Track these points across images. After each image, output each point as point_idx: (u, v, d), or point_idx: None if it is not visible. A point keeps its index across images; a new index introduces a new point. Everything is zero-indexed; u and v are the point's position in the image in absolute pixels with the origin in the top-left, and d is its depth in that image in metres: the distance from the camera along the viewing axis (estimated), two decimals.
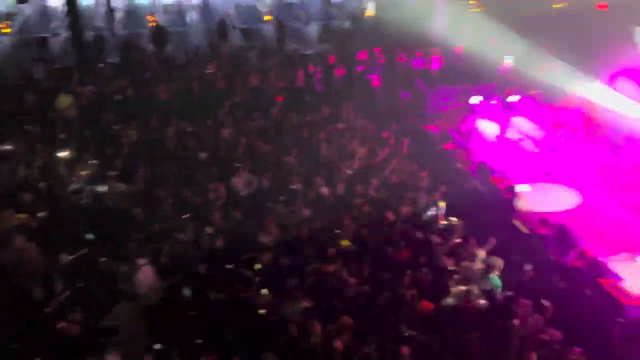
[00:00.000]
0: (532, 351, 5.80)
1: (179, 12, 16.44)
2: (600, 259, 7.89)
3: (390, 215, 7.90)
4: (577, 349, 5.95)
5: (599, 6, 14.00)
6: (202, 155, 9.14)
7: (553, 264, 7.79)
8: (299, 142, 9.84)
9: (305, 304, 5.91)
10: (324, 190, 8.45)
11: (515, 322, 6.14)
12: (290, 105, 10.98)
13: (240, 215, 7.75)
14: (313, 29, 16.13)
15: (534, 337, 6.15)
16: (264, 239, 7.33)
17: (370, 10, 15.99)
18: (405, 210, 8.19)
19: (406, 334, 5.76)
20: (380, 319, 6.00)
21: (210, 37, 14.87)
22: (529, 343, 6.00)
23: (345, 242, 7.27)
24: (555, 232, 8.43)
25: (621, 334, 6.69)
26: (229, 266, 6.59)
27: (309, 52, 14.57)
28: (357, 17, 16.58)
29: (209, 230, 7.23)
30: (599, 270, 7.66)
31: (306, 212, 7.93)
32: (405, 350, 5.38)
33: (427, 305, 6.21)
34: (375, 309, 6.13)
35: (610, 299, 7.18)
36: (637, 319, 6.77)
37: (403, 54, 13.91)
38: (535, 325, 6.22)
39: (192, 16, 16.54)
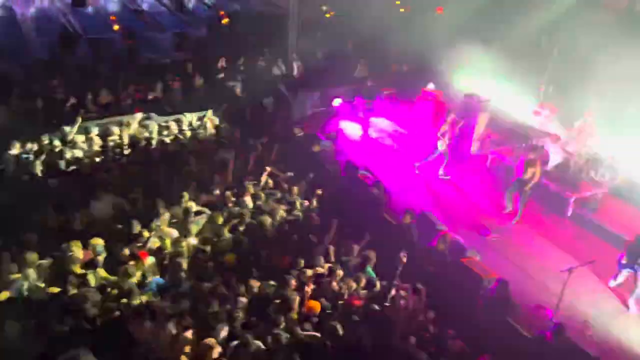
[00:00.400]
0: (411, 335, 6.18)
1: (9, 22, 14.66)
2: (459, 239, 8.67)
3: (267, 221, 7.85)
4: (450, 330, 6.48)
5: (439, 9, 15.50)
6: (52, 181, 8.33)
7: (420, 250, 8.37)
8: (165, 158, 9.40)
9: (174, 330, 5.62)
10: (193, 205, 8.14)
11: (395, 308, 6.50)
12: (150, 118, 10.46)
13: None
14: (167, 38, 15.49)
15: (413, 321, 6.57)
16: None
17: (225, 19, 15.78)
18: (281, 214, 8.22)
19: (299, 336, 5.78)
20: (270, 326, 5.96)
21: (51, 49, 13.53)
22: (408, 326, 6.37)
23: (230, 257, 7.06)
24: (418, 220, 9.10)
25: (484, 305, 7.43)
26: None
27: (165, 61, 14.00)
28: (213, 25, 16.30)
29: None
30: (459, 250, 8.41)
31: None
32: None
33: (314, 305, 6.29)
34: (266, 317, 6.08)
35: (472, 275, 7.90)
36: (494, 289, 7.50)
37: (263, 61, 13.98)
38: (413, 309, 6.64)
39: (28, 26, 14.88)
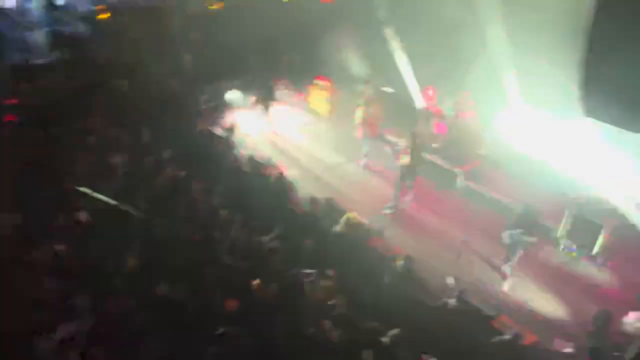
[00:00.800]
0: (324, 319, 6.30)
1: None
2: (360, 219, 8.96)
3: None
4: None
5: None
6: None
7: (326, 236, 8.55)
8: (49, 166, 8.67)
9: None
10: (82, 216, 7.62)
11: (306, 295, 6.60)
12: (27, 125, 9.55)
13: None
14: (40, 37, 14.18)
15: (325, 306, 6.70)
16: None
17: (104, 14, 14.78)
18: (183, 212, 7.94)
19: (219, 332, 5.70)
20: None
21: None
22: (321, 312, 6.49)
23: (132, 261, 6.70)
24: (323, 206, 9.27)
25: (390, 280, 7.78)
26: None
27: (39, 62, 12.84)
28: (91, 22, 15.19)
29: None
30: (362, 230, 8.69)
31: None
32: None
33: (231, 303, 6.22)
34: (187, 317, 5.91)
35: (377, 254, 8.24)
36: (397, 265, 7.87)
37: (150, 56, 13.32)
38: (324, 295, 6.76)
39: None
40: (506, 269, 8.58)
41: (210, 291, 6.32)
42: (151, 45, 13.75)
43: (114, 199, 8.01)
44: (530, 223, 8.23)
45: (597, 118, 3.38)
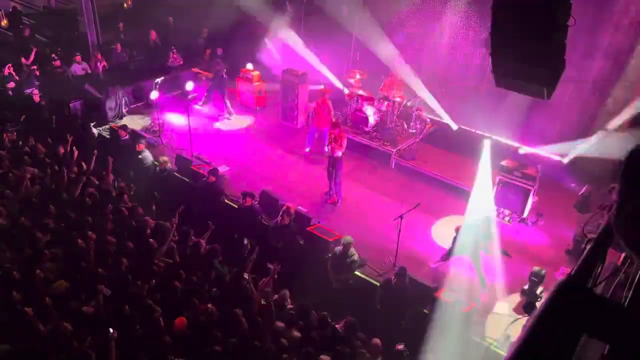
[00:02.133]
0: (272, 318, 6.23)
1: None
2: (300, 209, 8.95)
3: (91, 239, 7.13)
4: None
5: None
6: None
7: (267, 229, 8.47)
8: None
9: None
10: None
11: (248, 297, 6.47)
12: None
13: None
14: None
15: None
16: None
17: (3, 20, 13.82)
18: (109, 227, 7.54)
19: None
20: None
21: None
22: (265, 307, 6.39)
23: (61, 284, 6.28)
24: (260, 200, 9.18)
25: (334, 266, 7.83)
26: None
27: None
28: None
29: None
30: (303, 220, 8.69)
31: None
32: None
33: (180, 322, 5.87)
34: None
35: (320, 241, 8.25)
36: (339, 249, 7.93)
37: (58, 62, 12.56)
38: (265, 291, 6.63)
39: None
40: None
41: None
42: (60, 48, 13.02)
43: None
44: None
45: (504, 87, 3.59)
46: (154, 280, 6.48)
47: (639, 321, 1.08)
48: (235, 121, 12.86)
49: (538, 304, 6.77)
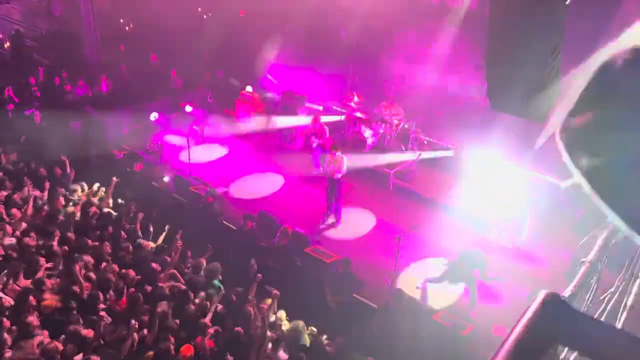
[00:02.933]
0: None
1: None
2: (298, 230, 8.94)
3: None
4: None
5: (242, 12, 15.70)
6: None
7: (265, 250, 8.45)
8: None
9: None
10: None
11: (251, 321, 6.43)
12: None
13: None
14: None
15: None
16: None
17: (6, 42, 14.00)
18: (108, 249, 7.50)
19: None
20: None
21: None
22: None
23: (50, 304, 6.22)
24: (258, 221, 9.18)
25: (331, 287, 7.78)
26: None
27: None
28: None
29: None
30: (301, 241, 8.69)
31: None
32: None
33: (187, 350, 5.74)
34: None
35: (317, 262, 8.24)
36: (337, 270, 7.91)
37: (69, 86, 12.71)
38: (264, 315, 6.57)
39: None
40: None
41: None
42: (63, 70, 13.17)
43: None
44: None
45: (501, 110, 3.63)
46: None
47: (620, 336, 1.11)
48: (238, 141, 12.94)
49: None
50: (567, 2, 3.42)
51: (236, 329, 6.11)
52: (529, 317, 1.05)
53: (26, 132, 10.85)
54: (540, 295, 1.10)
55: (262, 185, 11.16)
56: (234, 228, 9.11)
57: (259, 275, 7.11)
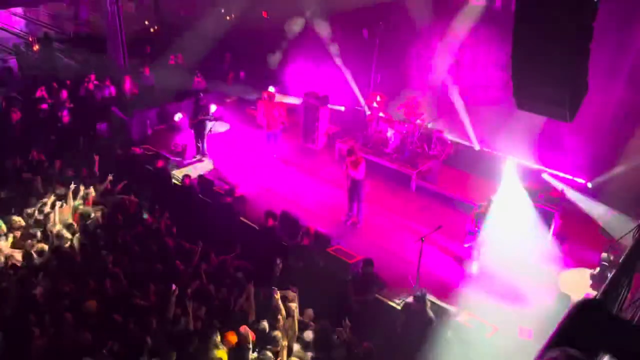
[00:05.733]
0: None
1: None
2: (320, 231, 8.93)
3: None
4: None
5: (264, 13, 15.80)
6: None
7: (287, 249, 8.47)
8: None
9: None
10: None
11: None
12: None
13: None
14: None
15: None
16: None
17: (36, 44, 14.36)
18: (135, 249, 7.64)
19: None
20: None
21: None
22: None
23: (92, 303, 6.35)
24: (281, 220, 9.20)
25: (354, 287, 7.75)
26: None
27: None
28: (21, 54, 14.75)
29: None
30: (323, 241, 8.68)
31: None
32: None
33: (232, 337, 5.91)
34: None
35: (339, 263, 8.22)
36: (359, 271, 7.88)
37: (91, 85, 12.97)
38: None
39: None
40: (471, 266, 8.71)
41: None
42: (91, 71, 13.43)
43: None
44: None
45: (527, 109, 3.59)
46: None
47: None
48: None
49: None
50: (595, 1, 3.36)
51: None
52: (567, 323, 1.03)
53: (56, 132, 11.13)
54: (577, 301, 1.08)
55: (283, 184, 11.20)
56: (256, 227, 9.16)
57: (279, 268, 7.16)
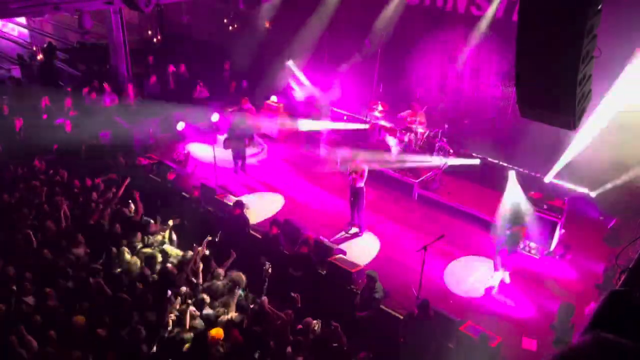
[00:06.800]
0: (288, 345, 6.17)
1: None
2: (321, 239, 8.90)
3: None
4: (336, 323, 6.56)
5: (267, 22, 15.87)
6: None
7: (288, 258, 8.44)
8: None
9: None
10: None
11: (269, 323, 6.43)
12: None
13: None
14: None
15: (287, 332, 6.51)
16: None
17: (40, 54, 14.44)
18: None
19: None
20: None
21: None
22: (284, 339, 6.31)
23: (80, 319, 6.30)
24: (283, 229, 9.18)
25: (358, 299, 7.70)
26: None
27: None
28: (25, 63, 14.83)
29: None
30: (324, 250, 8.65)
31: None
32: None
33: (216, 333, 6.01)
34: None
35: (341, 271, 8.18)
36: (362, 281, 7.83)
37: (94, 94, 13.02)
38: (288, 320, 6.56)
39: None
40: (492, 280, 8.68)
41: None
42: (94, 81, 13.49)
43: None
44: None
45: (530, 118, 3.60)
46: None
47: None
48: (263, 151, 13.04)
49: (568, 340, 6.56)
50: (598, 8, 3.36)
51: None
52: (600, 311, 1.02)
53: (58, 141, 11.13)
54: (610, 290, 1.07)
55: (286, 193, 11.19)
56: (259, 237, 9.13)
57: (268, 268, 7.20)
